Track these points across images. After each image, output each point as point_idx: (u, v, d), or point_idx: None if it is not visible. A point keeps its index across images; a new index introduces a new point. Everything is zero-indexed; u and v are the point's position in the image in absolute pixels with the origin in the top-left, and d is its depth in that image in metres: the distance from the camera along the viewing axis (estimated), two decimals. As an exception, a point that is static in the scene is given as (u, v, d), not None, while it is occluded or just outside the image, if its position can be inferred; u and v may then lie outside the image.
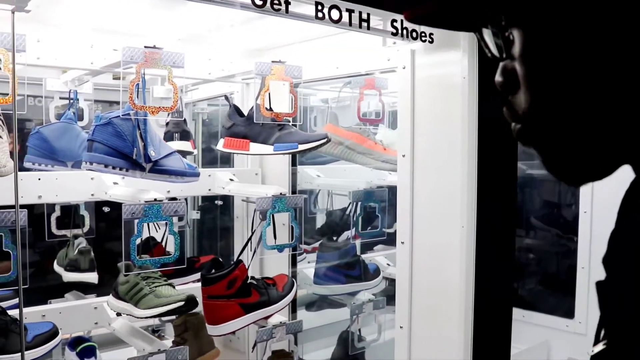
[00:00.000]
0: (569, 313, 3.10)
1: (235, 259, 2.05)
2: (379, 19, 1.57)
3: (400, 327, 1.96)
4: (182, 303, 1.76)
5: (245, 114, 2.03)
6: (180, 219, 1.90)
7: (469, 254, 1.71)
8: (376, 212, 2.30)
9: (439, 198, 1.83)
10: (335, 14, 1.38)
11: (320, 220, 2.94)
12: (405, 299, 1.94)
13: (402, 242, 1.93)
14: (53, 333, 1.75)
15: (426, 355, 1.91)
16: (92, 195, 1.98)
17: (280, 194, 1.94)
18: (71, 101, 2.32)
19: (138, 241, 1.68)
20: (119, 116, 1.69)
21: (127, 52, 1.65)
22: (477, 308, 1.73)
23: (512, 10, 0.63)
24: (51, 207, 2.43)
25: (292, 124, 2.00)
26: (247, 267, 1.98)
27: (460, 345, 1.77)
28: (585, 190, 2.97)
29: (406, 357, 1.95)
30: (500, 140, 1.77)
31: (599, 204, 2.93)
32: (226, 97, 2.11)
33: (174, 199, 1.77)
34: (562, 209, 3.51)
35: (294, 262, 2.47)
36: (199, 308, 2.08)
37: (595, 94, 0.60)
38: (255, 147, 1.98)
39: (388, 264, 2.60)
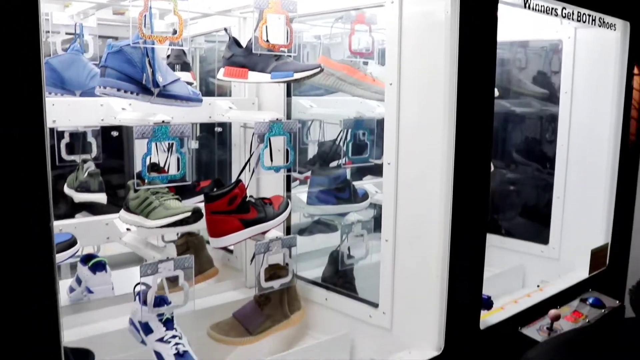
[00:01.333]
0: (544, 240, 3.32)
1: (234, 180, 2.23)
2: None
3: (386, 240, 2.16)
4: (189, 214, 1.95)
5: (244, 45, 2.18)
6: (182, 146, 2.06)
7: (448, 168, 1.89)
8: (365, 139, 2.47)
9: (422, 121, 2.00)
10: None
11: (312, 151, 3.11)
12: (390, 214, 2.14)
13: (389, 163, 2.11)
14: (72, 242, 1.94)
15: (408, 264, 2.12)
16: (102, 120, 2.13)
17: (277, 119, 2.11)
18: (77, 35, 2.46)
19: (148, 159, 1.85)
20: (129, 44, 1.84)
21: (137, -16, 1.79)
22: (455, 218, 1.92)
23: None
24: (60, 134, 2.59)
25: (288, 55, 2.15)
26: (246, 186, 2.17)
27: (439, 254, 1.97)
28: (563, 124, 3.15)
29: (391, 266, 2.16)
30: (478, 69, 1.94)
31: (575, 136, 3.11)
32: (226, 30, 2.25)
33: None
34: (542, 145, 3.69)
35: (288, 187, 2.66)
36: (200, 226, 2.28)
37: None
38: (253, 76, 2.13)
39: (376, 191, 2.77)
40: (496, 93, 2.60)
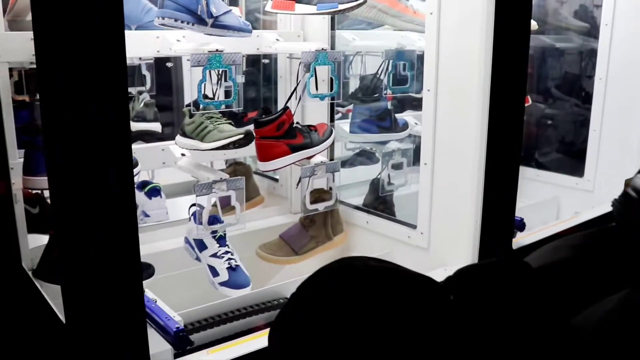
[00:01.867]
0: (579, 172, 3.40)
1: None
2: None
3: (425, 163, 2.28)
4: (242, 135, 2.09)
5: (290, -22, 2.27)
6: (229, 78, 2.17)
7: (485, 96, 1.99)
8: (406, 71, 2.57)
9: (460, 51, 2.09)
10: None
11: (354, 85, 3.21)
12: (429, 138, 2.25)
13: (428, 90, 2.22)
14: (135, 163, 2.10)
15: (445, 187, 2.24)
16: (158, 51, 2.26)
17: (323, 48, 2.22)
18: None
19: (203, 86, 1.99)
20: (185, -24, 1.96)
21: None
22: (490, 143, 2.03)
23: None
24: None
25: (332, -12, 2.24)
26: (292, 113, 2.30)
27: (474, 177, 2.08)
28: (602, 57, 3.18)
29: (429, 188, 2.28)
30: (516, 5, 2.01)
31: (614, 69, 3.15)
32: (272, -37, 2.34)
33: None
34: (582, 80, 3.73)
35: (332, 117, 2.79)
36: (247, 153, 2.42)
37: None
38: (300, 7, 2.23)
39: (416, 123, 2.87)
40: (535, 26, 2.66)
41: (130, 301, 1.44)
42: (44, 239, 2.33)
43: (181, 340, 1.60)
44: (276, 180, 3.05)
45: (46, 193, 2.48)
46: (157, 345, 1.65)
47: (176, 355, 1.63)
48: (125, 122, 1.34)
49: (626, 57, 3.10)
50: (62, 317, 1.72)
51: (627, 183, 1.14)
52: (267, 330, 1.84)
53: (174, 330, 1.62)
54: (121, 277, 1.44)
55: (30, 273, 2.11)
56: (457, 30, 2.12)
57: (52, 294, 1.93)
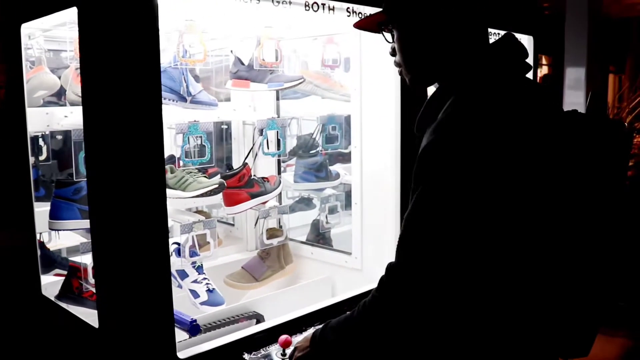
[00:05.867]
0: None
1: (241, 164, 2.98)
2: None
3: (355, 203, 2.94)
4: (217, 185, 2.68)
5: (246, 63, 2.92)
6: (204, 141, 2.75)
7: (397, 150, 2.68)
8: (336, 131, 3.24)
9: (377, 117, 2.78)
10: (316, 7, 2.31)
11: (290, 144, 3.85)
12: (358, 183, 2.92)
13: (355, 147, 2.89)
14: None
15: (372, 219, 2.89)
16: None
17: (273, 117, 2.87)
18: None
19: (186, 147, 2.59)
20: (170, 66, 2.58)
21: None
22: (403, 182, 2.70)
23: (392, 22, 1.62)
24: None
25: (278, 69, 2.91)
26: (250, 168, 2.92)
27: (394, 209, 2.75)
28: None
29: (359, 221, 2.93)
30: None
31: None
32: (231, 51, 2.99)
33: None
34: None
35: (279, 170, 3.43)
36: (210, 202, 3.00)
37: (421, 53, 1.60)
38: (254, 86, 2.88)
39: (345, 173, 3.53)
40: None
41: (161, 301, 1.99)
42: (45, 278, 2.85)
43: (195, 329, 2.17)
44: (232, 225, 3.64)
45: (45, 239, 3.00)
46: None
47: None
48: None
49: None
50: (93, 324, 2.25)
51: None
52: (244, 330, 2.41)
53: (189, 321, 2.18)
54: (154, 283, 1.99)
55: (52, 298, 2.62)
56: (374, 101, 2.82)
57: (75, 311, 2.47)
